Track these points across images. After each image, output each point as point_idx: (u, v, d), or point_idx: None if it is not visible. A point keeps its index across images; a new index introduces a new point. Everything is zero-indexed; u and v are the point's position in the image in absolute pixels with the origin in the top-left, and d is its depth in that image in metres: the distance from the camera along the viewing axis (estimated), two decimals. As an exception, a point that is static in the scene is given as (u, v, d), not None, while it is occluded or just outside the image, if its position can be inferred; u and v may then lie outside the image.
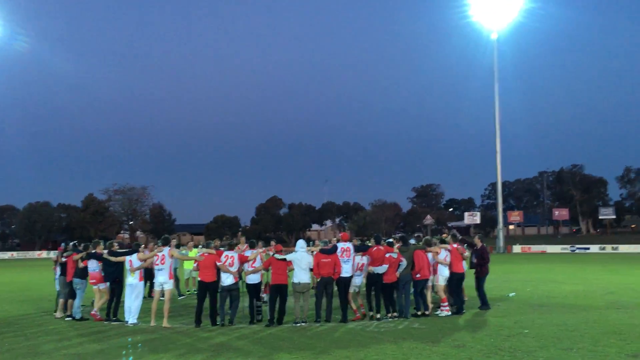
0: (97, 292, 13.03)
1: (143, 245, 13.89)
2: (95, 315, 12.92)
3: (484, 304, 13.79)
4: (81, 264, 13.06)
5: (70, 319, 13.14)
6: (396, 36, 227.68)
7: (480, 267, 13.94)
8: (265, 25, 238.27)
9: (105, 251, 13.00)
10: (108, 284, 12.99)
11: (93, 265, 12.92)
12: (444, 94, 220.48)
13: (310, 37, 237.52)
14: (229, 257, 12.28)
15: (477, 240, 14.32)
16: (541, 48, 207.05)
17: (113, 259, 12.68)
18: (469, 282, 14.35)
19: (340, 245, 12.56)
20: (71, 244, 14.18)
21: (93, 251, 13.09)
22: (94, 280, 12.94)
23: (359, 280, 12.70)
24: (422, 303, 12.88)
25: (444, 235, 14.64)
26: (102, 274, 12.92)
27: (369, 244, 13.29)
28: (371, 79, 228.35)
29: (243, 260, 12.50)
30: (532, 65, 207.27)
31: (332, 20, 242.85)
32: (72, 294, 13.38)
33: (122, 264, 12.64)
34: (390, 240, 13.68)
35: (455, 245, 13.47)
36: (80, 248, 13.69)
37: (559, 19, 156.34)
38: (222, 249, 12.88)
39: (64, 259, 13.55)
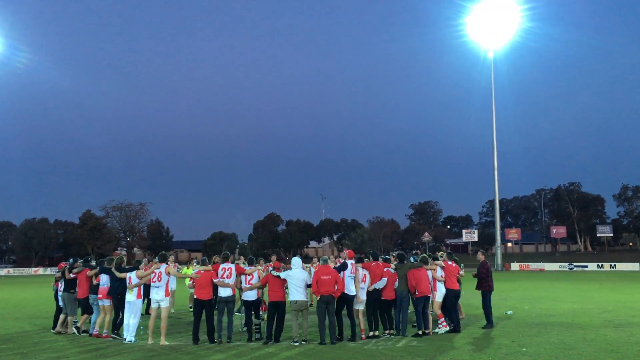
0: (103, 309, 13.01)
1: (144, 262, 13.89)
2: (99, 334, 12.90)
3: (488, 322, 13.78)
4: (95, 281, 13.11)
5: (86, 334, 13.20)
6: (393, 54, 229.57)
7: (480, 282, 13.97)
8: (265, 44, 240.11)
9: (111, 266, 13.04)
10: (111, 300, 12.98)
11: (103, 281, 12.94)
12: (441, 112, 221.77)
13: (308, 55, 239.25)
14: (226, 270, 12.31)
15: (479, 255, 14.45)
16: (538, 67, 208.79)
17: (118, 274, 12.70)
18: (467, 300, 14.38)
19: (348, 262, 12.59)
20: (80, 260, 14.19)
21: (109, 267, 13.10)
22: (100, 296, 12.93)
23: (362, 295, 12.54)
24: (423, 322, 12.76)
25: (440, 252, 14.69)
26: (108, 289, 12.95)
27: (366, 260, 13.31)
28: (369, 97, 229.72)
29: (240, 271, 12.51)
30: (529, 84, 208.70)
31: (329, 38, 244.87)
32: (81, 310, 13.43)
33: (125, 280, 12.63)
34: (387, 257, 13.70)
35: (449, 263, 13.52)
36: (93, 264, 13.73)
37: (555, 38, 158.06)
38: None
39: (72, 275, 13.53)
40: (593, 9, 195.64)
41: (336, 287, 11.93)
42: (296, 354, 10.67)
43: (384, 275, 12.60)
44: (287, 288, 12.38)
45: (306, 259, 56.60)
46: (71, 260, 14.27)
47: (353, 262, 12.62)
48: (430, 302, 13.11)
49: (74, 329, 13.49)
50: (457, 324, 13.22)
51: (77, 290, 13.51)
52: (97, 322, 13.05)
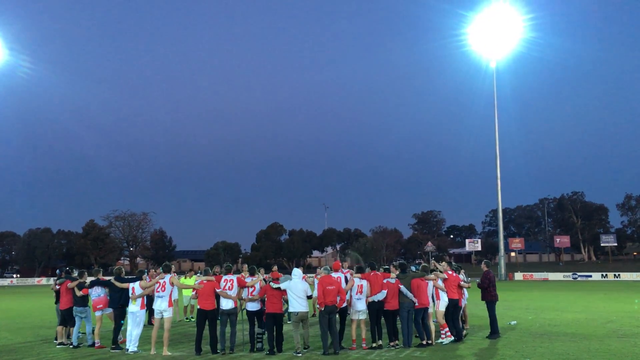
0: (100, 319, 12.96)
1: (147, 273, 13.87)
2: (101, 345, 12.86)
3: (492, 332, 13.71)
4: (79, 292, 13.01)
5: (61, 346, 13.11)
6: (396, 63, 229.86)
7: (483, 292, 13.93)
8: (267, 52, 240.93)
9: (111, 277, 13.02)
10: (111, 309, 12.96)
11: (97, 292, 12.89)
12: (444, 121, 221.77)
13: (311, 64, 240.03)
14: (228, 281, 12.31)
15: (483, 266, 14.43)
16: (540, 76, 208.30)
17: (119, 284, 12.68)
18: (471, 310, 14.32)
19: (333, 275, 12.64)
20: (64, 271, 14.15)
21: (95, 278, 13.11)
22: (100, 306, 12.88)
23: (360, 305, 12.51)
24: (424, 332, 12.72)
25: (442, 263, 14.64)
26: (108, 299, 12.90)
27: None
28: (371, 106, 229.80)
29: (242, 284, 12.51)
30: (531, 93, 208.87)
31: (331, 49, 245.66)
32: (64, 321, 13.32)
33: (127, 290, 12.62)
34: (387, 267, 13.67)
35: (450, 272, 13.46)
36: (75, 275, 13.65)
37: (557, 48, 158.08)
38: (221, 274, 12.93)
39: (57, 287, 13.51)
40: (595, 19, 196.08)
41: (339, 298, 11.96)
42: (299, 364, 10.63)
43: (383, 287, 12.57)
44: (285, 299, 12.34)
45: (309, 269, 56.49)
46: (57, 271, 14.27)
47: (340, 275, 12.79)
48: (431, 312, 13.06)
49: (57, 345, 13.32)
50: (458, 334, 13.17)
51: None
52: (96, 332, 12.97)
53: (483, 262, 14.68)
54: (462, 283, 13.84)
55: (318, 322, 12.34)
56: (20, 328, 17.72)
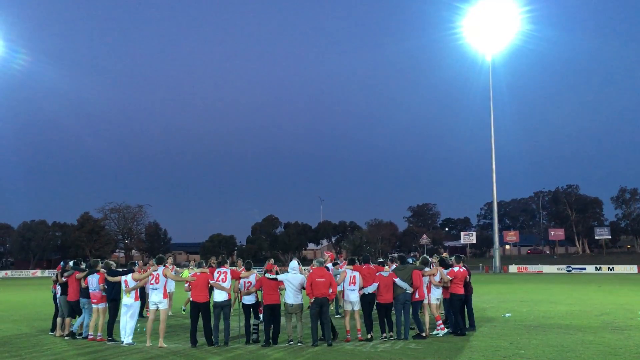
0: (96, 312, 12.92)
1: (139, 264, 13.83)
2: (94, 338, 12.81)
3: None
4: (83, 284, 13.01)
5: (68, 338, 13.08)
6: (391, 57, 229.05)
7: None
8: (262, 45, 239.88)
9: (104, 271, 12.97)
10: (106, 303, 12.92)
11: (93, 285, 12.84)
12: (440, 114, 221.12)
13: (306, 59, 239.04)
14: (222, 273, 12.31)
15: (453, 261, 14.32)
16: (536, 70, 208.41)
17: (111, 278, 12.63)
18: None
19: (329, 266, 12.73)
20: (71, 262, 14.12)
21: (93, 269, 13.06)
22: (94, 300, 12.84)
23: (353, 296, 12.52)
24: (422, 324, 12.71)
25: (444, 254, 14.56)
26: (103, 294, 12.85)
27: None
28: (367, 99, 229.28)
29: (235, 275, 12.52)
30: (527, 87, 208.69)
31: (328, 41, 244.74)
32: (71, 313, 13.34)
33: (119, 283, 12.58)
34: (381, 260, 13.68)
35: (456, 269, 13.37)
36: (83, 267, 13.65)
37: (554, 41, 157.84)
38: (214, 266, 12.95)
39: (64, 279, 13.48)
40: (592, 12, 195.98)
41: (331, 290, 11.97)
42: (294, 356, 10.67)
43: (375, 280, 12.59)
44: (282, 290, 12.38)
45: (304, 262, 56.63)
46: (62, 263, 14.23)
47: (331, 266, 12.81)
48: (425, 303, 13.07)
49: (66, 337, 13.33)
50: (463, 328, 13.10)
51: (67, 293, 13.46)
52: (90, 325, 12.96)
53: (453, 257, 14.23)
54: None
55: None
56: (15, 320, 17.68)
